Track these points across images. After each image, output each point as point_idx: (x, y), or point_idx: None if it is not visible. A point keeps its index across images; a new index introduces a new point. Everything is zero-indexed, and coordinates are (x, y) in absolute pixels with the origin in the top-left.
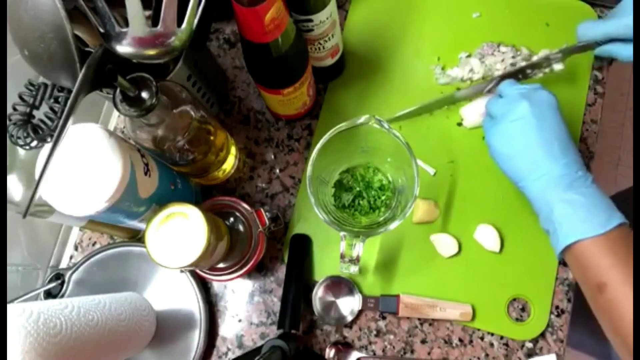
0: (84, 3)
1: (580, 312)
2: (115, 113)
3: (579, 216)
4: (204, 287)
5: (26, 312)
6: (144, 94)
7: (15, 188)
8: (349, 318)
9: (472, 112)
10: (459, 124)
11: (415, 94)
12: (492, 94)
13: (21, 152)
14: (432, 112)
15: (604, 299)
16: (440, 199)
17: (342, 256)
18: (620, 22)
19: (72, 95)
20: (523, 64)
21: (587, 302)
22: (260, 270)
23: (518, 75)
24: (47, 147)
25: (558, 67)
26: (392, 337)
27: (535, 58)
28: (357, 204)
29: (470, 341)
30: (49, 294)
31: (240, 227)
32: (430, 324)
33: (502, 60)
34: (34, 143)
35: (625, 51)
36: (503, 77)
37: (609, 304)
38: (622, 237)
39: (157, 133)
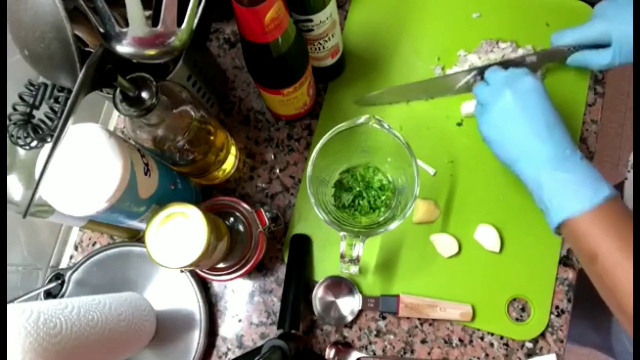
0: (84, 3)
1: (580, 305)
2: (115, 113)
3: (567, 194)
4: (204, 287)
5: (26, 312)
6: (144, 94)
7: (15, 188)
8: (349, 318)
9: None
10: (459, 124)
11: None
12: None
13: (21, 152)
14: (411, 101)
15: (596, 268)
16: (440, 199)
17: (342, 256)
18: (591, 28)
19: (72, 95)
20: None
21: (587, 295)
22: (260, 270)
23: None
24: (47, 147)
25: None
26: (392, 337)
27: (512, 55)
28: (357, 204)
29: (470, 341)
30: (49, 294)
31: (240, 227)
32: (430, 324)
33: (503, 57)
34: (34, 143)
35: (596, 58)
36: (482, 68)
37: (602, 272)
38: (610, 209)
39: (157, 133)
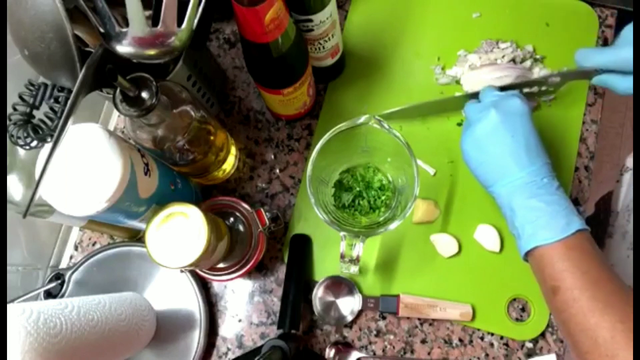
0: (84, 3)
1: None
2: (115, 113)
3: (539, 223)
4: (204, 287)
5: (26, 312)
6: (144, 94)
7: (15, 188)
8: (349, 318)
9: (472, 79)
10: (459, 124)
11: (415, 93)
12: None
13: (21, 152)
14: (427, 117)
15: (557, 300)
16: (440, 199)
17: (342, 256)
18: (619, 53)
19: (72, 95)
20: (520, 75)
21: None
22: (260, 270)
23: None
24: (47, 147)
25: (550, 97)
26: (392, 337)
27: (534, 76)
28: (357, 204)
29: (470, 341)
30: (49, 294)
31: (240, 227)
32: (430, 324)
33: (503, 57)
34: (34, 143)
35: (622, 84)
36: (502, 88)
37: (562, 305)
38: (579, 244)
39: (157, 133)
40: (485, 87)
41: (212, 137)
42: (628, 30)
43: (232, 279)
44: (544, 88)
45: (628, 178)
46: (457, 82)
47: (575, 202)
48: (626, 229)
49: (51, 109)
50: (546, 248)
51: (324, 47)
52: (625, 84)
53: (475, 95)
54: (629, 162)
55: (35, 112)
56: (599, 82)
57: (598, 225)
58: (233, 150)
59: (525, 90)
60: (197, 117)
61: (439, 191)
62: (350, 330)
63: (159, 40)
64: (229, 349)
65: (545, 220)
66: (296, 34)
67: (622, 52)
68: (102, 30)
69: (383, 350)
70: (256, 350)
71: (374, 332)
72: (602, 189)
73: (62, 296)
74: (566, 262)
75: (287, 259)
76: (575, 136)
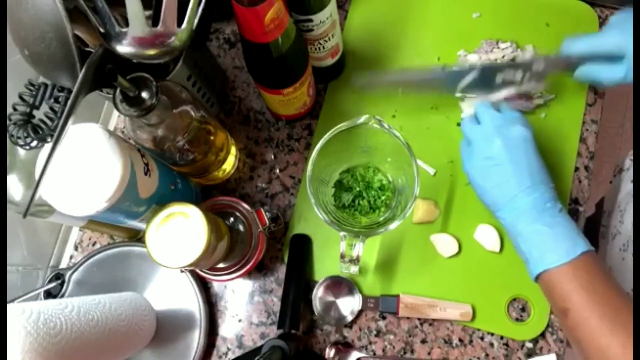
0: (84, 3)
1: None
2: (115, 113)
3: (545, 247)
4: (204, 287)
5: (26, 312)
6: (144, 94)
7: (15, 188)
8: (349, 318)
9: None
10: (459, 124)
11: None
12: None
13: (21, 152)
14: (407, 90)
15: (568, 321)
16: (440, 199)
17: (342, 256)
18: (604, 38)
19: (72, 95)
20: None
21: None
22: (260, 270)
23: (497, 72)
24: (47, 147)
25: (538, 86)
26: (392, 337)
27: (519, 59)
28: (357, 204)
29: (470, 341)
30: (49, 294)
31: (240, 227)
32: (430, 324)
33: (503, 57)
34: (34, 143)
35: (607, 73)
36: (484, 68)
37: (572, 325)
38: (585, 264)
39: (157, 133)
40: (479, 103)
41: (212, 137)
42: (615, 18)
43: (232, 279)
44: (527, 74)
45: (621, 179)
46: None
47: (575, 202)
48: (619, 229)
49: (51, 109)
50: (554, 271)
51: (324, 47)
52: (608, 74)
53: (470, 72)
54: (625, 164)
55: (35, 112)
56: (582, 74)
57: (598, 226)
58: (233, 150)
59: (509, 77)
60: (197, 117)
61: (439, 191)
62: (350, 330)
63: (159, 40)
64: (229, 349)
65: (551, 244)
66: (296, 34)
67: (607, 37)
68: (102, 30)
69: (383, 350)
70: (256, 350)
71: (374, 332)
72: (602, 189)
73: (62, 296)
74: (573, 283)
75: (287, 259)
76: (575, 136)
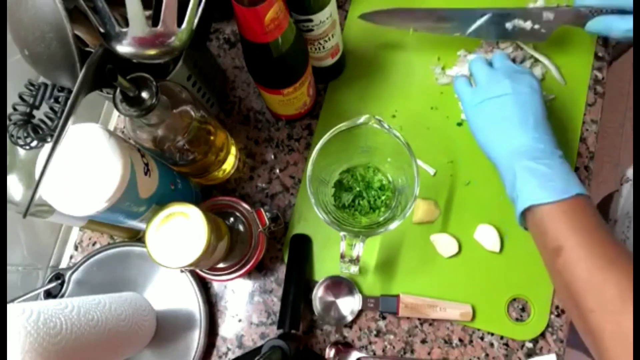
0: (84, 3)
1: None
2: (115, 113)
3: (538, 182)
4: (204, 287)
5: (26, 312)
6: (144, 94)
7: (15, 188)
8: (349, 318)
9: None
10: (459, 124)
11: (416, 94)
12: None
13: (21, 152)
14: (419, 30)
15: (559, 262)
16: (440, 199)
17: (342, 256)
18: None
19: (72, 95)
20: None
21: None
22: (260, 270)
23: (507, 18)
24: (47, 147)
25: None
26: (392, 337)
27: (530, 6)
28: (357, 204)
29: (470, 341)
30: (49, 294)
31: (240, 227)
32: (430, 324)
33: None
34: (34, 143)
35: (621, 24)
36: (495, 14)
37: (564, 266)
38: (581, 206)
39: (157, 133)
40: (498, 52)
41: (212, 137)
42: None
43: (232, 279)
44: (537, 26)
45: (628, 188)
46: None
47: None
48: (627, 235)
49: (51, 109)
50: (547, 208)
51: (324, 47)
52: (622, 25)
53: (481, 17)
54: (629, 173)
55: (35, 112)
56: (595, 26)
57: None
58: (233, 150)
59: (519, 24)
60: (197, 117)
61: (439, 191)
62: (350, 330)
63: (159, 40)
64: (229, 349)
65: (546, 181)
66: (296, 34)
67: None
68: (102, 30)
69: (383, 350)
70: (256, 350)
71: (374, 332)
72: (602, 189)
73: (62, 296)
74: (569, 222)
75: (287, 259)
76: (576, 136)
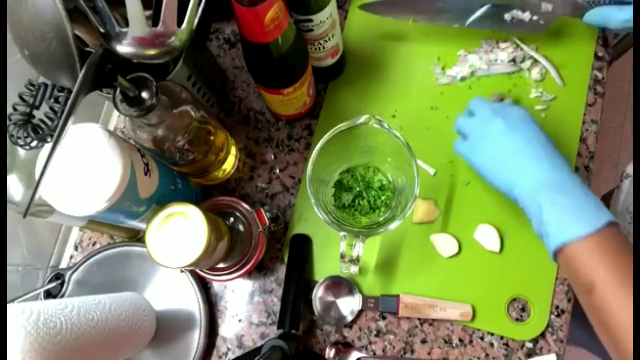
0: (84, 3)
1: (581, 310)
2: (115, 113)
3: (567, 218)
4: (204, 287)
5: (26, 312)
6: (144, 94)
7: (15, 188)
8: (349, 318)
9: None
10: None
11: (416, 94)
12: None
13: (21, 152)
14: (418, 21)
15: (593, 298)
16: (440, 199)
17: (342, 256)
18: None
19: (72, 95)
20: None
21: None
22: (260, 270)
23: (506, 9)
24: (47, 147)
25: (538, 31)
26: (392, 337)
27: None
28: (357, 204)
29: (470, 341)
30: (49, 294)
31: (240, 227)
32: (430, 324)
33: (503, 59)
34: (34, 143)
35: (619, 14)
36: (494, 4)
37: (598, 302)
38: (611, 236)
39: (157, 133)
40: (473, 98)
41: (212, 137)
42: None
43: (232, 279)
44: (535, 17)
45: (627, 184)
46: (462, 79)
47: None
48: (628, 230)
49: (51, 109)
50: (577, 244)
51: (324, 47)
52: (621, 15)
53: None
54: (629, 169)
55: (35, 112)
56: (593, 16)
57: None
58: (233, 150)
59: (518, 16)
60: (197, 117)
61: (439, 191)
62: (350, 330)
63: (159, 40)
64: (229, 349)
65: (574, 214)
66: (296, 34)
67: None
68: (102, 30)
69: (383, 350)
70: (256, 350)
71: (374, 332)
72: (602, 189)
73: (62, 296)
74: (601, 255)
75: (287, 259)
76: (576, 136)
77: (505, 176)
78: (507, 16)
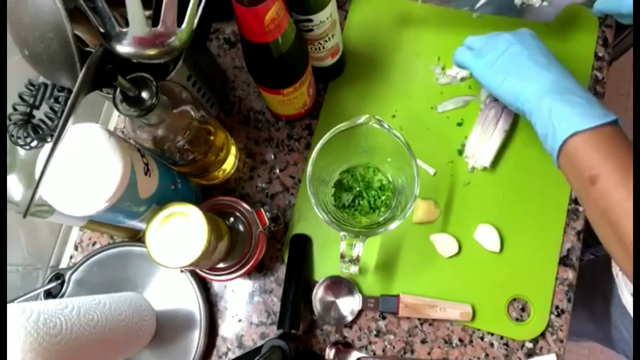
0: (84, 3)
1: (579, 297)
2: (115, 113)
3: (575, 112)
4: (204, 287)
5: (26, 312)
6: (144, 94)
7: (15, 188)
8: (349, 318)
9: (480, 153)
10: (459, 124)
11: (415, 94)
12: None
13: (21, 152)
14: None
15: (595, 190)
16: (440, 199)
17: (342, 256)
18: None
19: (72, 95)
20: None
21: (586, 285)
22: (260, 270)
23: None
24: (47, 147)
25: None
26: (392, 337)
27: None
28: (357, 204)
29: (470, 341)
30: (49, 294)
31: (241, 227)
32: (430, 324)
33: None
34: (34, 143)
35: (630, 2)
36: None
37: (600, 194)
38: (615, 134)
39: (157, 133)
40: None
41: (212, 137)
42: None
43: (232, 279)
44: (545, 3)
45: None
46: (462, 79)
47: (576, 201)
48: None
49: (51, 109)
50: (583, 137)
51: (324, 47)
52: (628, 1)
53: None
54: None
55: (35, 112)
56: (603, 4)
57: None
58: (233, 150)
59: (528, 1)
60: (197, 117)
61: (439, 191)
62: (350, 330)
63: (159, 40)
64: (229, 349)
65: (582, 110)
66: (296, 34)
67: None
68: (102, 30)
69: (383, 350)
70: (256, 350)
71: (374, 332)
72: None
73: (62, 296)
74: (605, 150)
75: (287, 259)
76: None
77: (511, 84)
78: (517, 1)
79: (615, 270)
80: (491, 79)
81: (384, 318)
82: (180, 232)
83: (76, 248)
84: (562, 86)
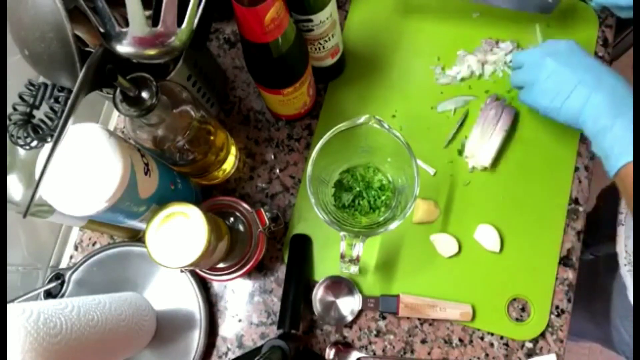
0: (84, 3)
1: (580, 297)
2: (115, 113)
3: (628, 139)
4: (204, 287)
5: (26, 312)
6: (144, 94)
7: (15, 188)
8: (349, 318)
9: (480, 153)
10: (459, 124)
11: (416, 94)
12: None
13: (21, 152)
14: None
15: None
16: (440, 199)
17: (342, 256)
18: None
19: (72, 95)
20: None
21: (586, 286)
22: (260, 270)
23: None
24: (47, 147)
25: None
26: (392, 337)
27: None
28: (357, 204)
29: (470, 341)
30: (49, 294)
31: (241, 227)
32: (430, 324)
33: (504, 55)
34: (34, 143)
35: None
36: None
37: None
38: None
39: (157, 133)
40: (516, 53)
41: (212, 137)
42: None
43: (232, 279)
44: None
45: None
46: (462, 79)
47: (576, 201)
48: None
49: (51, 108)
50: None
51: (324, 47)
52: None
53: None
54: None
55: (35, 112)
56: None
57: (598, 218)
58: (233, 150)
59: None
60: (197, 117)
61: (439, 191)
62: (350, 330)
63: (159, 40)
64: (229, 349)
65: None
66: (296, 34)
67: None
68: (102, 30)
69: (383, 350)
70: (256, 350)
71: (374, 332)
72: (602, 187)
73: (62, 296)
74: None
75: (287, 259)
76: (575, 136)
77: (568, 110)
78: None
79: (624, 270)
80: (551, 112)
81: (384, 318)
82: (180, 232)
83: (76, 248)
84: (616, 104)
